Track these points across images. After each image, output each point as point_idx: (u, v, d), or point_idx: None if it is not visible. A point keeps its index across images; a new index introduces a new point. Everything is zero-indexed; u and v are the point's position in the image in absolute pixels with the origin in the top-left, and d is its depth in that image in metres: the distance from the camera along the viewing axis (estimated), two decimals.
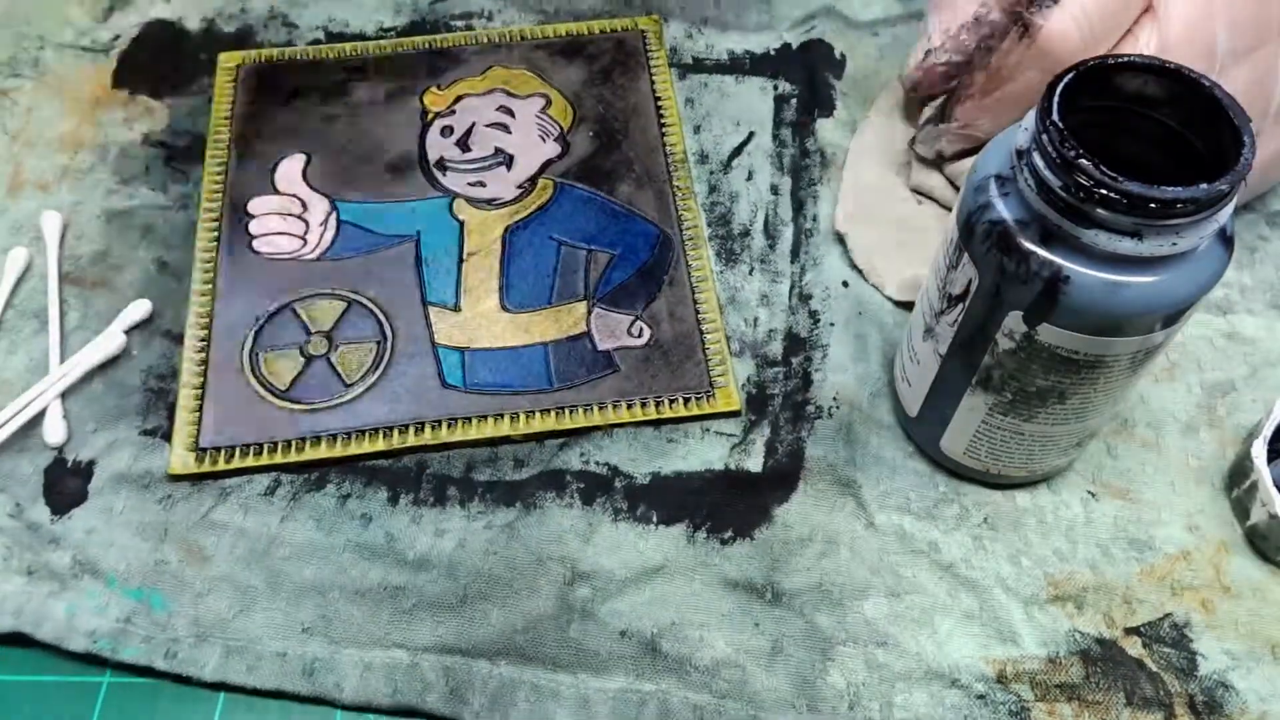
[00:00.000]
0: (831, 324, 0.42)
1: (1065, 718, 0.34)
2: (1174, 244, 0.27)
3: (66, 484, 0.37)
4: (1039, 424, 0.33)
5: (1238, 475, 0.37)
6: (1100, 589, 0.36)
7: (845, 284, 0.43)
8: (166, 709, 0.34)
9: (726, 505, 0.37)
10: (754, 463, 0.38)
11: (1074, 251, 0.28)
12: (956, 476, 0.38)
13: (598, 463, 0.38)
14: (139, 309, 0.41)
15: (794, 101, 0.49)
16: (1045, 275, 0.29)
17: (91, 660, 0.35)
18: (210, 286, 0.42)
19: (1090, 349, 0.30)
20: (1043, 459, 0.36)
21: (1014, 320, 0.30)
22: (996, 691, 0.34)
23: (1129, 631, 0.35)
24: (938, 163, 0.44)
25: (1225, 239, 0.29)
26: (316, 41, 0.51)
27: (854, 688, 0.34)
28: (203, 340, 0.40)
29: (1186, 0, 0.35)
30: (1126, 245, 0.27)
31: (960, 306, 0.32)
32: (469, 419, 0.39)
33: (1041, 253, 0.29)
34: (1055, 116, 0.28)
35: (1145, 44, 0.36)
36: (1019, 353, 0.31)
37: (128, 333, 0.41)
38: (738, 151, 0.47)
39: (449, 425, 0.38)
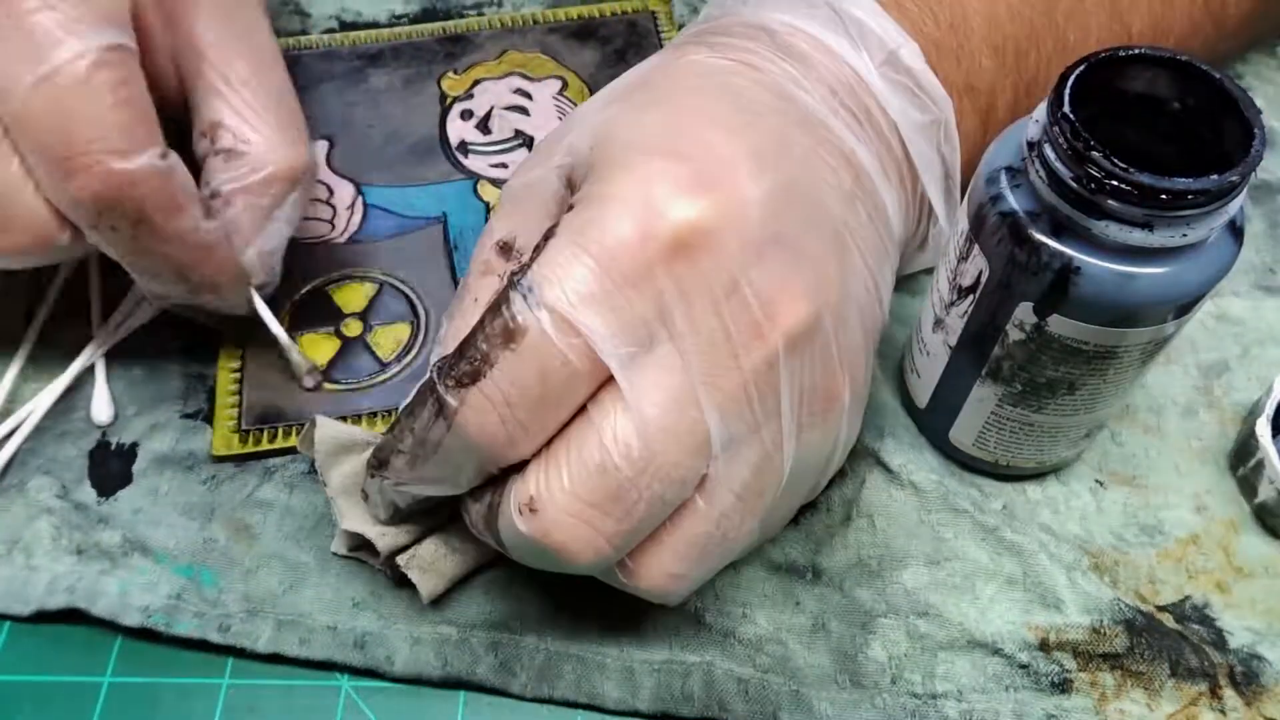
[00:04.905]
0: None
1: (1107, 688, 0.34)
2: (1184, 235, 0.28)
3: (110, 466, 0.38)
4: (1048, 415, 0.34)
5: (1242, 454, 0.38)
6: (1128, 566, 0.36)
7: None
8: (167, 709, 0.34)
9: None
10: None
11: (1085, 243, 0.29)
12: (967, 469, 0.38)
13: None
14: None
15: None
16: (1056, 266, 0.29)
17: (98, 658, 0.35)
18: None
19: (1100, 340, 0.30)
20: (1052, 450, 0.36)
21: (1024, 311, 0.31)
22: (1040, 661, 0.34)
23: (1160, 609, 0.35)
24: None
25: (1235, 230, 0.30)
26: (330, 30, 0.51)
27: (895, 660, 0.34)
28: (238, 324, 0.41)
29: (659, 385, 0.28)
30: (1137, 236, 0.28)
31: (970, 298, 0.32)
32: None
33: (1052, 244, 0.29)
34: (1067, 109, 0.28)
35: (612, 437, 0.28)
36: (1029, 344, 0.31)
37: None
38: None
39: None
